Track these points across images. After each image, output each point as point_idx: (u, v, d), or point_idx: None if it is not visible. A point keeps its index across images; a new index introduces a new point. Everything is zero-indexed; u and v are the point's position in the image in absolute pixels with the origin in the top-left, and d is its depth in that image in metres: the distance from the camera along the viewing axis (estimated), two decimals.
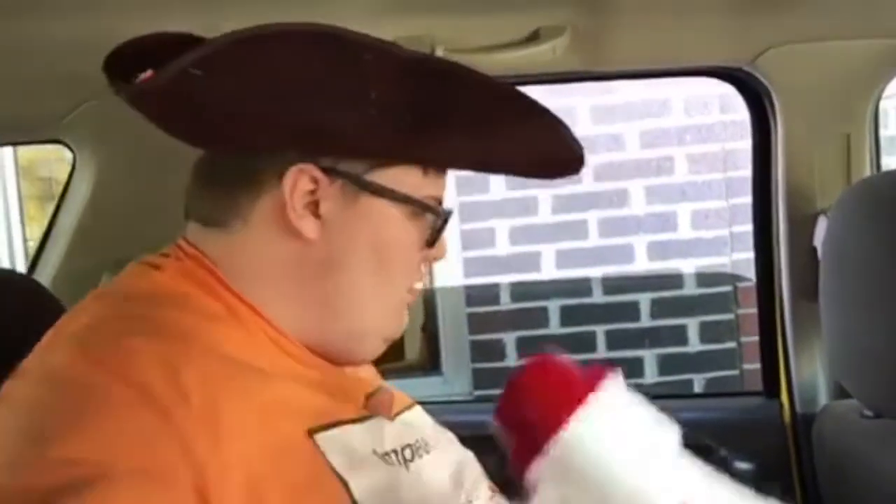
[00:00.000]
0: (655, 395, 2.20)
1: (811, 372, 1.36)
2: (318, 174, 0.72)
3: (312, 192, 0.72)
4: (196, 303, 0.71)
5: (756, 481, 1.44)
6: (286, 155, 0.72)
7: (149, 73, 0.71)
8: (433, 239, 0.78)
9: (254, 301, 0.73)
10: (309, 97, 0.71)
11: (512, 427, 0.61)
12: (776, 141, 1.29)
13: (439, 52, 1.16)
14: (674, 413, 1.61)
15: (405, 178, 0.75)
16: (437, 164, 0.77)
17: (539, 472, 0.58)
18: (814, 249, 1.26)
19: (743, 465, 1.43)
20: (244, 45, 0.71)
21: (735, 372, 2.63)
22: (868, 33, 1.18)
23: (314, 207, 0.73)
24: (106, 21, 0.98)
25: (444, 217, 0.78)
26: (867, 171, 1.27)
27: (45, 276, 1.35)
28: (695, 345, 2.74)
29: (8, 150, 2.65)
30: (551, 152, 0.81)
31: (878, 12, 1.13)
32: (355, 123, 0.72)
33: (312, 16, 0.97)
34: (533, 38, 1.18)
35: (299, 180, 0.72)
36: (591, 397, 0.59)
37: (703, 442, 1.44)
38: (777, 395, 1.45)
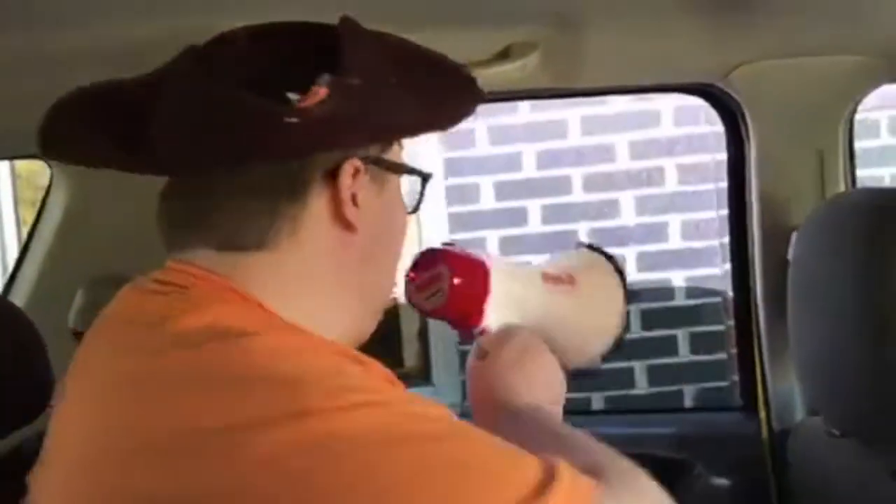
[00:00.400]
0: (632, 409, 2.20)
1: (787, 387, 1.36)
2: (359, 163, 0.71)
3: (353, 184, 0.71)
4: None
5: (733, 497, 1.45)
6: (332, 151, 0.70)
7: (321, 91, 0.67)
8: (420, 203, 0.79)
9: (298, 321, 0.69)
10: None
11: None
12: (750, 156, 1.29)
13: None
14: (653, 427, 1.61)
15: (398, 151, 0.76)
16: (417, 133, 0.79)
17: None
18: (788, 265, 1.26)
19: (720, 481, 1.44)
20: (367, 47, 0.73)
21: (725, 383, 2.62)
22: (839, 50, 1.18)
23: (354, 198, 0.71)
24: (84, 40, 1.00)
25: (428, 180, 0.80)
26: (842, 187, 1.27)
27: (21, 294, 1.36)
28: (685, 355, 2.74)
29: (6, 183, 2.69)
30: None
31: (848, 29, 1.13)
32: (388, 108, 0.72)
33: None
34: (504, 55, 1.18)
35: (349, 173, 0.71)
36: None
37: (680, 457, 1.44)
38: (755, 409, 1.45)
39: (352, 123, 0.69)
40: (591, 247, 0.92)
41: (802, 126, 1.26)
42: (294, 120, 0.66)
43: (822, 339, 0.98)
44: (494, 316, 0.79)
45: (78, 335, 1.36)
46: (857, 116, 2.75)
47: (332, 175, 0.70)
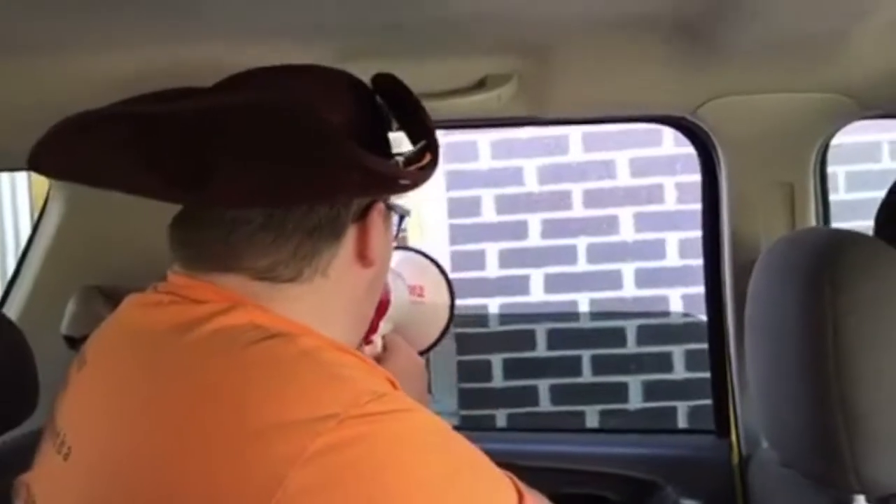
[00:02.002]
0: (602, 429, 2.22)
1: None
2: (383, 206, 0.79)
3: (378, 225, 0.79)
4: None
5: None
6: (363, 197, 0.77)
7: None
8: (398, 235, 0.87)
9: None
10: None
11: None
12: (721, 187, 1.32)
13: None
14: (627, 448, 1.64)
15: None
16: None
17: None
18: None
19: (689, 502, 1.46)
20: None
21: None
22: (808, 88, 1.20)
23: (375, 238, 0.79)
24: (80, 65, 1.04)
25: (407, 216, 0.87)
26: (812, 222, 1.29)
27: (17, 300, 1.41)
28: (680, 372, 2.76)
29: (21, 176, 2.77)
30: None
31: (817, 68, 1.15)
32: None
33: (272, 60, 1.03)
34: (480, 85, 1.21)
35: (378, 216, 0.78)
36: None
37: (651, 478, 1.47)
38: (727, 434, 1.47)
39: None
40: (422, 254, 1.17)
41: (772, 160, 1.28)
42: (407, 182, 0.74)
43: (770, 373, 1.00)
44: (383, 327, 0.99)
45: (70, 341, 1.42)
46: (859, 140, 2.76)
47: (362, 217, 0.77)
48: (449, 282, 1.13)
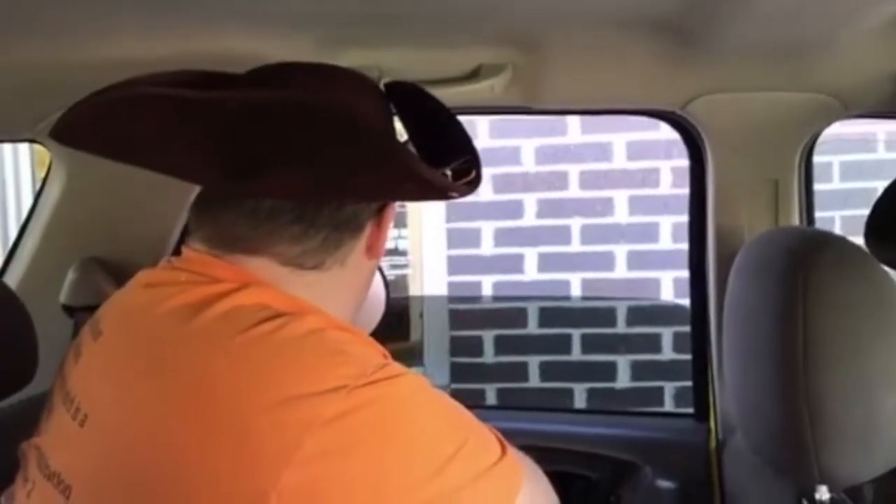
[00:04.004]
0: (586, 409, 2.27)
1: None
2: (395, 203, 0.86)
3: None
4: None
5: (679, 501, 1.52)
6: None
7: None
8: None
9: None
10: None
11: None
12: (708, 180, 1.35)
13: (384, 83, 1.22)
14: (608, 429, 1.67)
15: None
16: None
17: None
18: None
19: (665, 484, 1.50)
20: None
21: None
22: (794, 87, 1.22)
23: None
24: (79, 45, 1.06)
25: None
26: (796, 219, 1.32)
27: (17, 269, 1.44)
28: (668, 354, 2.80)
29: (24, 147, 2.77)
30: None
31: (803, 68, 1.17)
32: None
33: (264, 47, 1.05)
34: (474, 74, 1.23)
35: (391, 212, 0.85)
36: None
37: (629, 458, 1.51)
38: (706, 419, 1.51)
39: None
40: None
41: (758, 156, 1.30)
42: (454, 195, 0.80)
43: (743, 365, 1.04)
44: None
45: (68, 310, 1.45)
46: (855, 130, 2.77)
47: (379, 213, 0.83)
48: (384, 275, 1.31)
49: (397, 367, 0.73)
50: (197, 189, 0.83)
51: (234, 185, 0.76)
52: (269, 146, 0.74)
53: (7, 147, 2.94)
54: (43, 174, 1.54)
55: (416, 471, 0.68)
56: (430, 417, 0.72)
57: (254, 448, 0.65)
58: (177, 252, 0.84)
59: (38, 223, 1.46)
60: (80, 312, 1.42)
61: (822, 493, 0.97)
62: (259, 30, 1.06)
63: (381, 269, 1.24)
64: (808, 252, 0.92)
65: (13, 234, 2.97)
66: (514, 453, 0.77)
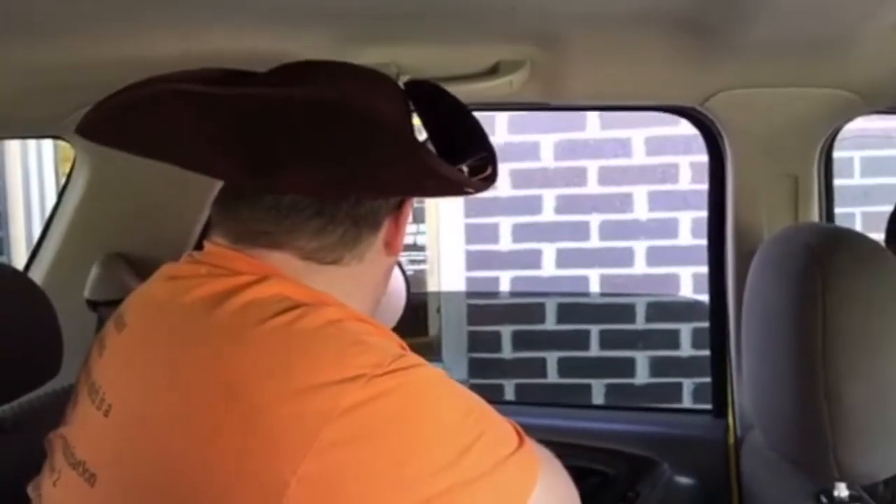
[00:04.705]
0: (604, 405, 2.27)
1: None
2: (413, 200, 0.87)
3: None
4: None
5: (695, 498, 1.52)
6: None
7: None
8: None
9: None
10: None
11: None
12: (728, 177, 1.34)
13: (403, 80, 1.23)
14: (626, 425, 1.68)
15: None
16: None
17: None
18: None
19: (684, 481, 1.50)
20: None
21: None
22: (815, 83, 1.21)
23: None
24: (103, 44, 1.08)
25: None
26: (815, 215, 1.32)
27: (42, 265, 1.46)
28: (686, 349, 2.79)
29: (48, 143, 2.81)
30: None
31: (824, 64, 1.17)
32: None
33: (283, 45, 1.06)
34: (493, 70, 1.24)
35: (409, 208, 0.86)
36: None
37: (648, 454, 1.51)
38: (725, 415, 1.51)
39: None
40: None
41: (777, 152, 1.30)
42: (470, 190, 0.80)
43: (762, 361, 1.04)
44: None
45: (92, 305, 1.47)
46: (877, 125, 2.75)
47: (397, 209, 0.84)
48: (405, 272, 1.32)
49: (415, 357, 0.74)
50: (219, 185, 0.85)
51: (255, 180, 0.77)
52: (289, 142, 0.75)
53: (31, 144, 2.97)
54: (66, 171, 1.55)
55: (434, 460, 0.69)
56: (447, 407, 0.72)
57: (273, 437, 0.66)
58: (199, 247, 0.85)
59: (62, 219, 1.48)
60: (104, 307, 1.44)
61: (841, 489, 0.97)
62: (278, 28, 1.07)
63: (401, 267, 1.25)
64: (828, 249, 0.92)
65: (38, 230, 3.01)
66: (531, 444, 0.78)
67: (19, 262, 2.98)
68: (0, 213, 3.01)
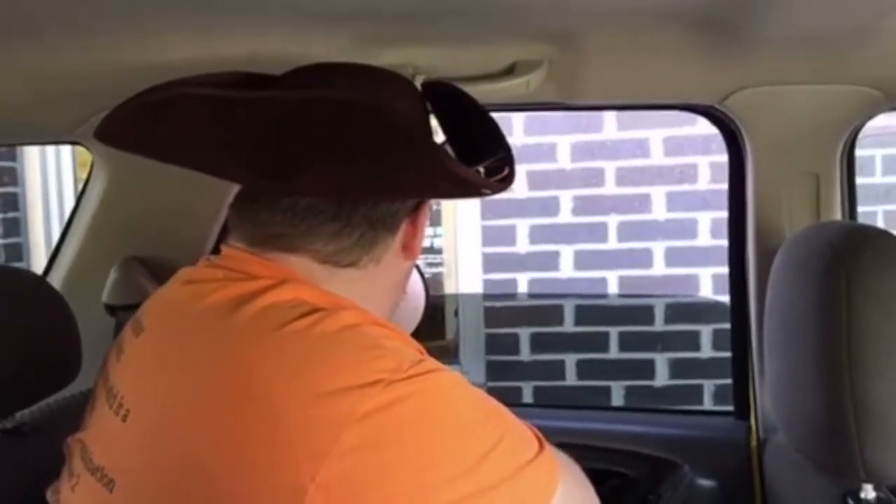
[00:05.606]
0: (624, 407, 2.25)
1: None
2: (431, 202, 0.86)
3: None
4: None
5: (719, 500, 1.50)
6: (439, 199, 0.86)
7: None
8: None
9: None
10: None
11: None
12: (748, 175, 1.33)
13: (419, 81, 1.22)
14: (646, 426, 1.66)
15: None
16: None
17: None
18: None
19: (706, 483, 1.49)
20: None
21: None
22: (836, 80, 1.20)
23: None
24: (121, 49, 1.08)
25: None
26: (837, 214, 1.30)
27: (60, 269, 1.47)
28: (707, 351, 2.77)
29: (66, 148, 2.83)
30: None
31: (845, 60, 1.15)
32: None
33: (299, 47, 1.06)
34: (509, 71, 1.23)
35: (427, 211, 0.86)
36: None
37: (669, 457, 1.50)
38: (747, 417, 1.49)
39: None
40: None
41: (798, 150, 1.28)
42: (488, 192, 0.81)
43: (785, 361, 1.02)
44: None
45: (110, 309, 1.48)
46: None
47: (414, 211, 0.84)
48: (422, 273, 1.32)
49: (433, 362, 0.73)
50: (236, 188, 0.85)
51: (272, 183, 0.77)
52: (306, 145, 0.75)
53: (50, 149, 3.00)
54: (84, 175, 1.56)
55: (454, 466, 0.68)
56: (466, 413, 0.72)
57: (291, 442, 0.65)
58: (216, 251, 0.85)
59: (80, 224, 1.49)
60: (122, 311, 1.44)
61: (868, 491, 0.95)
62: (294, 31, 1.07)
63: (420, 271, 1.24)
64: (851, 247, 0.91)
65: (56, 234, 3.03)
66: (551, 450, 0.77)
67: (39, 267, 3.00)
68: (19, 219, 3.03)
